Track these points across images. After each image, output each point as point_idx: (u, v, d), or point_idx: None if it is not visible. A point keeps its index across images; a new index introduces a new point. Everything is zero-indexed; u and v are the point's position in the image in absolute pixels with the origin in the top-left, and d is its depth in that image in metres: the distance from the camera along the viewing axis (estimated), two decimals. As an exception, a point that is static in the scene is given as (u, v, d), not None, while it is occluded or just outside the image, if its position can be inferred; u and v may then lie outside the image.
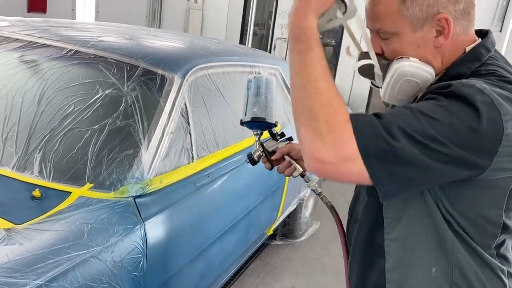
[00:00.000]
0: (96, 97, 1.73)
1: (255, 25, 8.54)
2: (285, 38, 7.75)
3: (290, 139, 1.43)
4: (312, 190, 1.38)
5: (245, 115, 1.38)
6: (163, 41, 2.46)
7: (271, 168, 1.40)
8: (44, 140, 1.63)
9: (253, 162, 1.42)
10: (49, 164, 1.57)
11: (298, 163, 1.36)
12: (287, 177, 2.73)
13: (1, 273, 1.11)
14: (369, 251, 1.10)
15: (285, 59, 4.63)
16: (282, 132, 1.43)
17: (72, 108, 1.71)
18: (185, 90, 1.87)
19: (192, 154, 1.89)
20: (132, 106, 1.71)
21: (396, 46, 0.98)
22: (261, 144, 1.41)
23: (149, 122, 1.70)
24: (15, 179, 1.53)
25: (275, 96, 1.38)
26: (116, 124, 1.67)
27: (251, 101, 1.37)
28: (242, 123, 1.39)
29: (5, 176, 1.54)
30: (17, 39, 2.02)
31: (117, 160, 1.60)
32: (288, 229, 3.47)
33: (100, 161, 1.59)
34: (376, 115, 0.86)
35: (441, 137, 0.82)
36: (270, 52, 7.95)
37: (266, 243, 3.47)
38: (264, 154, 1.40)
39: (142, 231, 1.48)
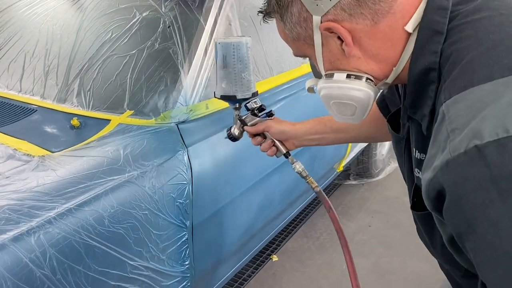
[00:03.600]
0: (133, 21, 1.61)
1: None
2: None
3: (270, 114, 1.24)
4: (297, 173, 1.22)
5: (216, 89, 1.21)
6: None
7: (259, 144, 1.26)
8: (83, 70, 1.55)
9: (234, 138, 1.28)
10: (88, 93, 1.49)
11: (280, 143, 1.23)
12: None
13: (29, 197, 1.04)
14: None
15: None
16: (261, 106, 1.24)
17: (110, 35, 1.61)
18: (229, 7, 1.68)
19: (242, 79, 1.73)
20: (171, 27, 1.57)
21: (317, 67, 0.80)
22: (240, 119, 1.24)
23: (189, 43, 1.55)
24: (56, 110, 1.47)
25: (249, 62, 1.16)
26: (154, 47, 1.54)
27: (219, 75, 1.18)
28: (214, 97, 1.24)
29: (47, 108, 1.49)
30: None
31: (157, 85, 1.48)
32: (362, 167, 3.24)
33: (140, 87, 1.48)
34: None
35: None
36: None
37: (339, 183, 3.28)
38: (244, 130, 1.26)
39: (186, 157, 1.36)
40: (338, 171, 2.68)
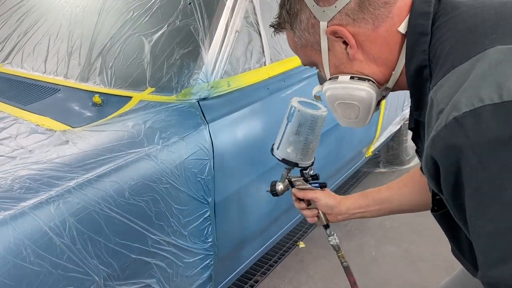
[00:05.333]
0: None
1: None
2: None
3: (323, 186, 1.21)
4: (331, 245, 1.26)
5: (278, 148, 1.17)
6: None
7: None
8: (105, 49, 1.55)
9: (275, 194, 1.26)
10: (110, 71, 1.49)
11: (323, 215, 1.23)
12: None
13: (49, 167, 1.04)
14: None
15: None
16: (316, 175, 1.21)
17: (131, 14, 1.60)
18: (250, -17, 1.65)
19: (264, 57, 1.69)
20: (192, 3, 1.54)
21: (323, 73, 0.86)
22: (289, 181, 1.22)
23: (210, 19, 1.52)
24: (78, 89, 1.48)
25: (319, 135, 1.14)
26: (175, 24, 1.52)
27: (287, 137, 1.14)
28: (272, 153, 1.20)
29: (70, 87, 1.50)
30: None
31: (178, 62, 1.46)
32: (392, 154, 3.15)
33: (161, 65, 1.47)
34: None
35: None
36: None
37: (368, 171, 3.21)
38: (288, 190, 1.24)
39: (207, 133, 1.34)
40: (367, 155, 2.61)
